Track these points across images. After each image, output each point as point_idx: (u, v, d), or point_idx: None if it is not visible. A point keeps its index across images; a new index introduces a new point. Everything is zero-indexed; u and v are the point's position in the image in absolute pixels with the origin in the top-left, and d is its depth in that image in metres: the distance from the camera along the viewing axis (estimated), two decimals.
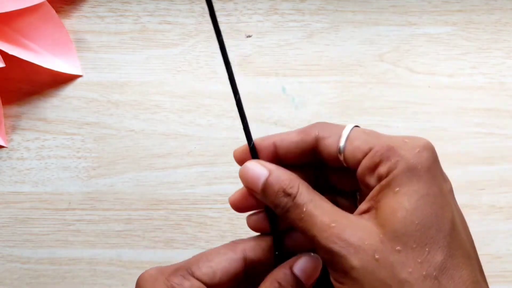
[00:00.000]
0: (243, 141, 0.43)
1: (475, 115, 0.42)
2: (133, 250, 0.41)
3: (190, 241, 0.41)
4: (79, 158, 0.42)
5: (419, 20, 0.44)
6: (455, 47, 0.43)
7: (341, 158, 0.25)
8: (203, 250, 0.40)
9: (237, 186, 0.42)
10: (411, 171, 0.22)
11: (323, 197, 0.24)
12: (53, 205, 0.41)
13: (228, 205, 0.41)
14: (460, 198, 0.41)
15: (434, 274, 0.21)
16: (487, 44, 0.43)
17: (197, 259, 0.26)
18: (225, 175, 0.42)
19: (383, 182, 0.23)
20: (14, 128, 0.42)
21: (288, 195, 0.24)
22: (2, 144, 0.42)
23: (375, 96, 0.42)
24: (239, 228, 0.41)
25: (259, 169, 0.25)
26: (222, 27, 0.44)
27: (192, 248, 0.41)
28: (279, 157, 0.26)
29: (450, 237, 0.22)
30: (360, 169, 0.24)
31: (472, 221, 0.41)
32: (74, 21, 0.44)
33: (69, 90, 0.43)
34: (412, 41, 0.43)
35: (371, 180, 0.24)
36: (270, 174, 0.25)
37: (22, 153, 0.42)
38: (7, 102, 0.43)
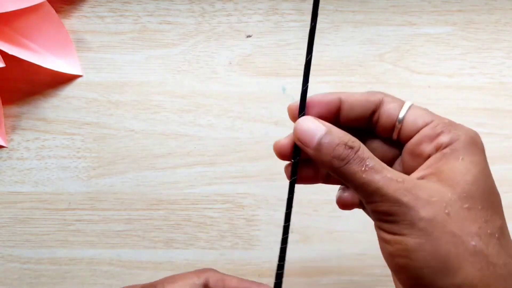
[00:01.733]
0: (243, 141, 0.42)
1: (475, 115, 0.42)
2: (133, 250, 0.41)
3: (190, 241, 0.41)
4: (79, 158, 0.42)
5: (419, 20, 0.44)
6: (455, 47, 0.43)
7: (398, 126, 0.26)
8: (203, 250, 0.40)
9: (237, 186, 0.42)
10: (473, 144, 0.25)
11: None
12: (53, 205, 0.41)
13: (228, 205, 0.41)
14: None
15: (496, 235, 0.23)
16: (487, 44, 0.43)
17: (164, 280, 0.29)
18: (225, 175, 0.42)
19: (446, 150, 0.24)
20: (14, 128, 0.42)
21: (350, 147, 0.24)
22: (2, 144, 0.42)
23: None
24: (239, 228, 0.41)
25: (316, 125, 0.25)
26: (222, 27, 0.44)
27: (192, 248, 0.41)
28: (338, 115, 0.27)
29: (502, 208, 0.24)
30: (418, 137, 0.25)
31: None
32: (74, 21, 0.44)
33: (69, 90, 0.43)
34: (412, 41, 0.43)
35: (428, 148, 0.25)
36: (329, 130, 0.25)
37: (22, 153, 0.42)
38: (7, 102, 0.43)
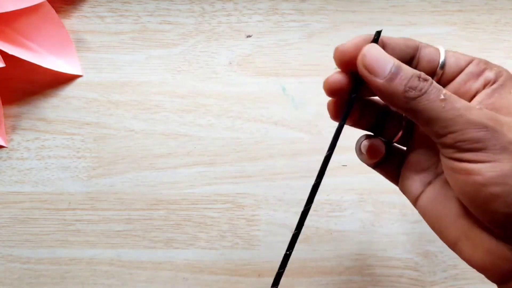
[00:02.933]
0: (243, 141, 0.42)
1: None
2: (133, 250, 0.41)
3: (190, 241, 0.41)
4: (79, 158, 0.42)
5: (419, 20, 0.44)
6: (455, 47, 0.43)
7: (439, 72, 0.26)
8: (203, 250, 0.40)
9: (237, 186, 0.42)
10: None
11: None
12: (53, 205, 0.41)
13: (228, 205, 0.41)
14: None
15: None
16: (487, 44, 0.43)
17: None
18: (225, 175, 0.42)
19: (496, 85, 0.25)
20: (14, 128, 0.42)
21: (424, 80, 0.24)
22: (2, 144, 0.42)
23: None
24: (239, 228, 0.41)
25: (386, 55, 0.25)
26: (222, 27, 0.44)
27: (192, 248, 0.41)
28: None
29: None
30: (463, 75, 0.26)
31: None
32: (74, 21, 0.44)
33: (69, 90, 0.43)
34: None
35: (475, 85, 0.25)
36: (398, 62, 0.24)
37: (22, 153, 0.42)
38: (7, 102, 0.43)
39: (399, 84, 0.24)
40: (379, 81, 0.24)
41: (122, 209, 0.41)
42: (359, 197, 0.41)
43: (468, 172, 0.23)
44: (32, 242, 0.41)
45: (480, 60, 0.26)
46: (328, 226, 0.41)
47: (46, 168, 0.42)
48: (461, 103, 0.23)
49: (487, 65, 0.25)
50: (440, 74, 0.26)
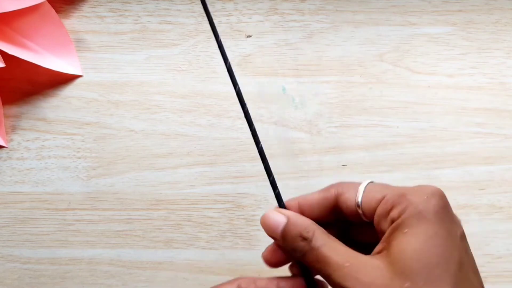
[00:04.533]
0: (243, 141, 0.42)
1: (475, 115, 0.42)
2: (133, 250, 0.41)
3: (190, 241, 0.41)
4: (79, 158, 0.42)
5: (419, 20, 0.44)
6: (455, 47, 0.43)
7: (360, 211, 0.27)
8: (203, 250, 0.40)
9: (237, 186, 0.42)
10: (419, 214, 0.24)
11: (337, 240, 0.26)
12: (53, 205, 0.41)
13: (228, 205, 0.41)
14: (460, 198, 0.41)
15: None
16: (487, 44, 0.43)
17: None
18: (225, 175, 0.42)
19: (394, 224, 0.25)
20: (14, 128, 0.42)
21: (304, 239, 0.26)
22: (2, 144, 0.42)
23: (375, 96, 0.42)
24: (239, 228, 0.41)
25: (278, 217, 0.28)
26: (222, 27, 0.44)
27: (192, 248, 0.41)
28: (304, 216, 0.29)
29: (455, 278, 0.23)
30: (376, 216, 0.26)
31: (472, 221, 0.41)
32: (74, 21, 0.44)
33: (69, 90, 0.43)
34: (412, 41, 0.43)
35: (385, 224, 0.25)
36: (288, 220, 0.27)
37: (22, 153, 0.42)
38: (7, 102, 0.43)
39: (288, 246, 0.27)
40: (279, 242, 0.28)
41: (122, 209, 0.41)
42: None
43: None
44: (32, 242, 0.41)
45: (390, 197, 0.26)
46: None
47: (46, 168, 0.42)
48: (332, 260, 0.25)
49: (396, 201, 0.25)
50: (362, 212, 0.27)
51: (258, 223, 0.41)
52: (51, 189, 0.42)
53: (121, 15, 0.44)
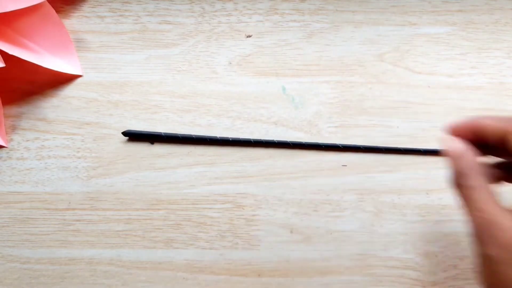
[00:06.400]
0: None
1: (475, 115, 0.42)
2: (133, 250, 0.41)
3: (190, 241, 0.41)
4: (79, 158, 0.42)
5: (419, 20, 0.44)
6: (455, 47, 0.43)
7: None
8: (203, 250, 0.40)
9: (237, 186, 0.42)
10: None
11: None
12: (53, 205, 0.41)
13: (228, 205, 0.41)
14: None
15: None
16: (487, 44, 0.43)
17: None
18: (225, 175, 0.42)
19: None
20: (14, 128, 0.42)
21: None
22: (2, 144, 0.42)
23: (375, 96, 0.43)
24: (239, 228, 0.41)
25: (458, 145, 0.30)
26: (222, 27, 0.44)
27: (192, 248, 0.41)
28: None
29: None
30: None
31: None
32: (74, 21, 0.44)
33: (69, 90, 0.43)
34: (412, 41, 0.43)
35: None
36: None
37: (22, 153, 0.42)
38: (7, 102, 0.43)
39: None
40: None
41: (122, 209, 0.41)
42: (359, 197, 0.41)
43: None
44: (31, 242, 0.41)
45: None
46: (328, 226, 0.41)
47: (46, 168, 0.42)
48: None
49: None
50: None
51: (258, 223, 0.41)
52: (51, 189, 0.42)
53: (121, 15, 0.44)
